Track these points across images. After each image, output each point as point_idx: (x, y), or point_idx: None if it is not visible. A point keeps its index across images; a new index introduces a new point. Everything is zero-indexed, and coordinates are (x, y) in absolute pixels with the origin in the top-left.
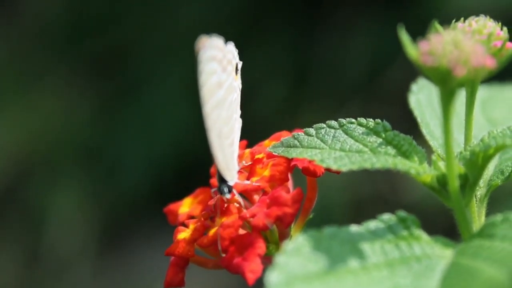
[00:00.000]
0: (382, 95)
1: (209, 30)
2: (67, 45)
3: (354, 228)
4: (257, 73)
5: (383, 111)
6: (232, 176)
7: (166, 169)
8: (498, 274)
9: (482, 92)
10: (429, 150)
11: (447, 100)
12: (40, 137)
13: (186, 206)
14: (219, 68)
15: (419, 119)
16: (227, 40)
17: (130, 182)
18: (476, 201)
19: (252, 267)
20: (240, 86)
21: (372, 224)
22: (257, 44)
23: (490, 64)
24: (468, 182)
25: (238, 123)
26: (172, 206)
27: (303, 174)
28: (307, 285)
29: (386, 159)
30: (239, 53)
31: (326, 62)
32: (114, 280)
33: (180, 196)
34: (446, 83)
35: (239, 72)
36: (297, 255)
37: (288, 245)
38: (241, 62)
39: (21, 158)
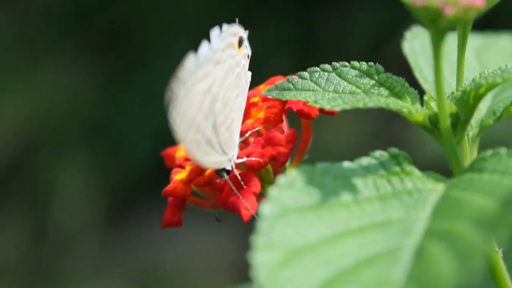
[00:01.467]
0: (386, 68)
1: (215, 5)
2: (73, 21)
3: (347, 164)
4: (263, 47)
5: None
6: (230, 160)
7: (171, 144)
8: (486, 203)
9: (477, 41)
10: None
11: (437, 40)
12: (46, 113)
13: (183, 150)
14: (210, 72)
15: (412, 65)
16: (232, 15)
17: (136, 157)
18: (468, 140)
19: (247, 205)
20: (249, 53)
21: (365, 161)
22: (262, 19)
23: (479, 3)
24: (459, 121)
25: (241, 97)
26: (169, 150)
27: (298, 116)
28: (300, 217)
29: (378, 99)
30: (244, 28)
31: (330, 35)
32: (121, 253)
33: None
34: (436, 23)
35: (244, 43)
36: (290, 188)
37: (281, 179)
38: (246, 32)
39: (27, 134)
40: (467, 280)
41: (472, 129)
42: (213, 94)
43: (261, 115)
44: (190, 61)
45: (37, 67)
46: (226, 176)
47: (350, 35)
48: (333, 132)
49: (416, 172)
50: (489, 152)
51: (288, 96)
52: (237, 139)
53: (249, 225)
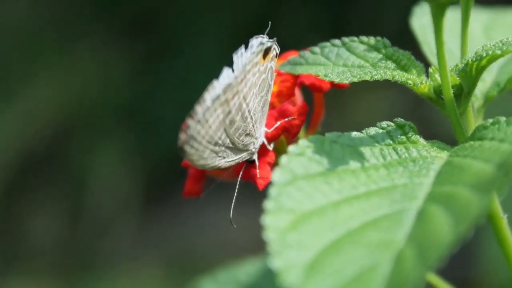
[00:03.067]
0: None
1: None
2: (105, 6)
3: (355, 133)
4: (294, 30)
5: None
6: (253, 153)
7: None
8: (485, 167)
9: (486, 17)
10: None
11: (437, 14)
12: (80, 98)
13: None
14: (225, 105)
15: (420, 39)
16: None
17: (170, 140)
18: (473, 111)
19: (262, 174)
20: (278, 51)
21: (372, 130)
22: (294, 2)
23: None
24: (462, 92)
25: (268, 95)
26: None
27: (310, 90)
28: (309, 183)
29: (385, 71)
30: (276, 14)
31: (361, 18)
32: (157, 236)
33: None
34: None
35: (270, 53)
36: (300, 156)
37: (292, 148)
38: (272, 41)
39: (62, 119)
40: (459, 238)
41: (477, 100)
42: (230, 118)
43: (274, 89)
44: (210, 92)
45: (69, 52)
46: (251, 163)
47: (381, 18)
48: (364, 113)
49: (421, 141)
50: (490, 120)
51: (300, 70)
52: (262, 132)
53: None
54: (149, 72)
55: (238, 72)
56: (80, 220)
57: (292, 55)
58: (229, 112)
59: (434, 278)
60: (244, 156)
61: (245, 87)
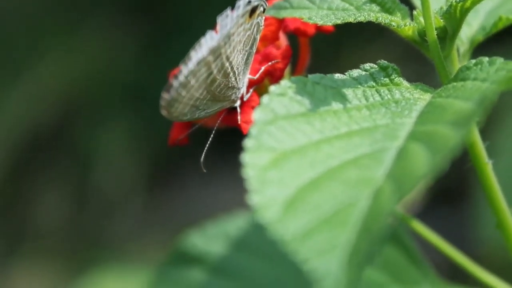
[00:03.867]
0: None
1: None
2: None
3: (337, 75)
4: None
5: None
6: (235, 100)
7: None
8: (465, 105)
9: None
10: None
11: None
12: (86, 78)
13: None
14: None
15: None
16: None
17: None
18: (459, 56)
19: (246, 118)
20: (266, 7)
21: (355, 72)
22: None
23: None
24: (447, 35)
25: (254, 47)
26: (176, 71)
27: (295, 34)
28: (289, 123)
29: (369, 13)
30: None
31: None
32: (164, 216)
33: (227, 132)
34: None
35: (257, 9)
36: (282, 96)
37: (273, 88)
38: (257, 1)
39: (68, 99)
40: (434, 169)
41: (463, 44)
42: (212, 77)
43: None
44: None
45: (75, 32)
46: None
47: None
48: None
49: (405, 83)
50: (472, 61)
51: (284, 14)
52: (245, 81)
53: None
54: (156, 51)
55: (222, 36)
56: (86, 200)
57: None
58: (211, 73)
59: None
60: (225, 104)
61: (229, 47)
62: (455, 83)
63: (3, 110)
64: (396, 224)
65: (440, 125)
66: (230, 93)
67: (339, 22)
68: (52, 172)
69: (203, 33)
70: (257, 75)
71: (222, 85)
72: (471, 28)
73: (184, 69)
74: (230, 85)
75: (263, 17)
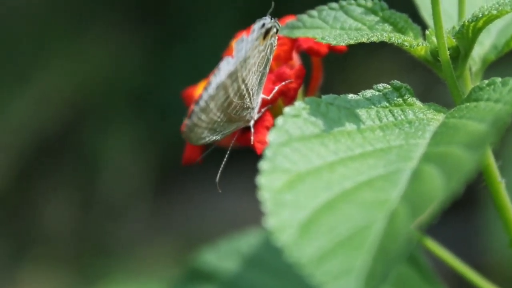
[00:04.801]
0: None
1: None
2: None
3: (351, 96)
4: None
5: None
6: (249, 120)
7: None
8: (479, 126)
9: None
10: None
11: None
12: (92, 83)
13: (202, 88)
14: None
15: (418, 2)
16: None
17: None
18: (471, 75)
19: (260, 138)
20: (279, 29)
21: (369, 92)
22: None
23: None
24: (460, 54)
25: (267, 68)
26: (189, 90)
27: (308, 53)
28: (304, 144)
29: (381, 33)
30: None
31: None
32: (170, 220)
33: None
34: None
35: (270, 32)
36: (296, 117)
37: (288, 109)
38: (272, 22)
39: (74, 104)
40: (450, 193)
41: (475, 64)
42: (229, 101)
43: None
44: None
45: (81, 37)
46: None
47: None
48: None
49: (418, 103)
50: (485, 81)
51: (298, 33)
52: (259, 100)
53: None
54: (161, 57)
55: (239, 60)
56: (93, 205)
57: (290, 19)
58: (228, 97)
59: (444, 254)
60: (240, 124)
61: (245, 70)
62: (468, 104)
63: (9, 115)
64: (412, 246)
65: (454, 146)
66: (244, 114)
67: (352, 42)
68: (58, 177)
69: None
70: (271, 95)
71: (238, 107)
72: (483, 47)
73: (204, 94)
74: (245, 106)
75: (276, 38)
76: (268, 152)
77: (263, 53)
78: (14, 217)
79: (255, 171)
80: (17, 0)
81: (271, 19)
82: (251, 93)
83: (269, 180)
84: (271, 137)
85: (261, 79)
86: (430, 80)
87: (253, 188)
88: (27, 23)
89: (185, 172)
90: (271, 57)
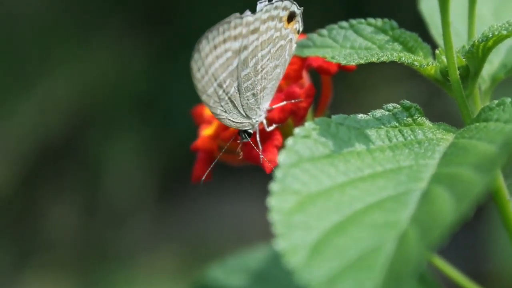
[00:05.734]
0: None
1: None
2: None
3: (361, 115)
4: (308, 24)
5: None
6: (253, 124)
7: None
8: (489, 148)
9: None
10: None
11: None
12: (96, 88)
13: None
14: (244, 36)
15: (428, 21)
16: None
17: (186, 131)
18: (480, 93)
19: (269, 157)
20: (300, 28)
21: (378, 112)
22: None
23: None
24: (469, 74)
25: (280, 69)
26: (198, 108)
27: (318, 72)
28: (314, 165)
29: (391, 53)
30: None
31: (378, 12)
32: (172, 227)
33: None
34: None
35: (296, 18)
36: (306, 138)
37: (298, 130)
38: (299, 9)
39: (78, 110)
40: (461, 217)
41: (484, 82)
42: (243, 59)
43: None
44: (229, 20)
45: (86, 43)
46: (247, 139)
47: (398, 10)
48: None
49: (427, 123)
50: (495, 101)
51: (308, 52)
52: (265, 106)
53: None
54: (165, 62)
55: (256, 16)
56: (96, 211)
57: (300, 38)
58: (245, 48)
59: (451, 272)
60: (245, 124)
61: (258, 39)
62: (477, 124)
63: (14, 121)
64: (423, 268)
65: (463, 168)
66: (251, 107)
67: (362, 62)
68: (63, 183)
69: None
70: (276, 106)
71: (249, 82)
72: (492, 66)
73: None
74: (255, 92)
75: (297, 35)
76: (278, 174)
77: (282, 42)
78: (18, 223)
79: (257, 178)
80: (22, 7)
81: (292, 2)
82: (263, 82)
83: (279, 202)
84: (281, 158)
85: (273, 80)
86: (433, 87)
87: (255, 194)
88: (33, 30)
89: (188, 179)
90: (289, 59)
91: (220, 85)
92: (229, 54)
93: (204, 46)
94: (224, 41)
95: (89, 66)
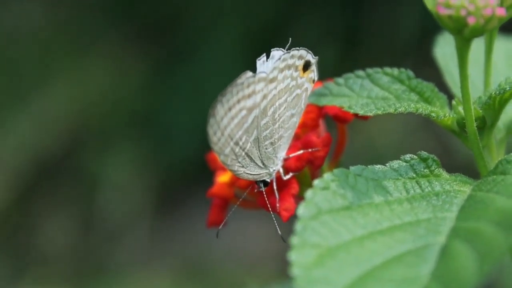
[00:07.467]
0: (428, 64)
1: None
2: (119, 11)
3: (378, 167)
4: (308, 36)
5: (435, 74)
6: (270, 174)
7: None
8: (509, 203)
9: (508, 44)
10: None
11: (462, 47)
12: (94, 103)
13: None
14: (260, 90)
15: (443, 69)
16: (277, 4)
17: (183, 147)
18: (495, 143)
19: (286, 206)
20: (315, 78)
21: (396, 163)
22: (309, 7)
23: (500, 13)
24: (486, 125)
25: (296, 117)
26: (213, 154)
27: (334, 120)
28: (333, 217)
29: (409, 104)
30: (290, 21)
31: (376, 25)
32: (169, 243)
33: None
34: (461, 31)
35: (311, 67)
36: (325, 190)
37: (316, 182)
38: (315, 58)
39: (75, 125)
40: (484, 277)
41: (499, 132)
42: (263, 108)
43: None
44: (241, 81)
45: (84, 58)
46: (263, 188)
47: (398, 24)
48: (377, 129)
49: (444, 174)
50: None
51: (324, 101)
52: (282, 155)
53: (296, 216)
54: (163, 78)
55: (271, 65)
56: (92, 225)
57: (317, 86)
58: (265, 97)
59: None
60: (262, 174)
61: (276, 88)
62: (495, 176)
63: (10, 135)
64: None
65: (483, 223)
66: (269, 156)
67: (379, 112)
68: (59, 198)
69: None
70: (293, 155)
71: (268, 131)
72: (507, 115)
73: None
74: (273, 141)
75: (312, 84)
76: (297, 226)
77: (298, 91)
78: (14, 238)
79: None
80: (20, 20)
81: (307, 52)
82: (280, 131)
83: (299, 256)
84: (300, 210)
85: (289, 129)
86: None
87: (252, 213)
88: (30, 45)
89: (184, 195)
90: (303, 108)
91: (236, 143)
92: (244, 112)
93: (219, 110)
94: (239, 101)
95: (85, 81)
